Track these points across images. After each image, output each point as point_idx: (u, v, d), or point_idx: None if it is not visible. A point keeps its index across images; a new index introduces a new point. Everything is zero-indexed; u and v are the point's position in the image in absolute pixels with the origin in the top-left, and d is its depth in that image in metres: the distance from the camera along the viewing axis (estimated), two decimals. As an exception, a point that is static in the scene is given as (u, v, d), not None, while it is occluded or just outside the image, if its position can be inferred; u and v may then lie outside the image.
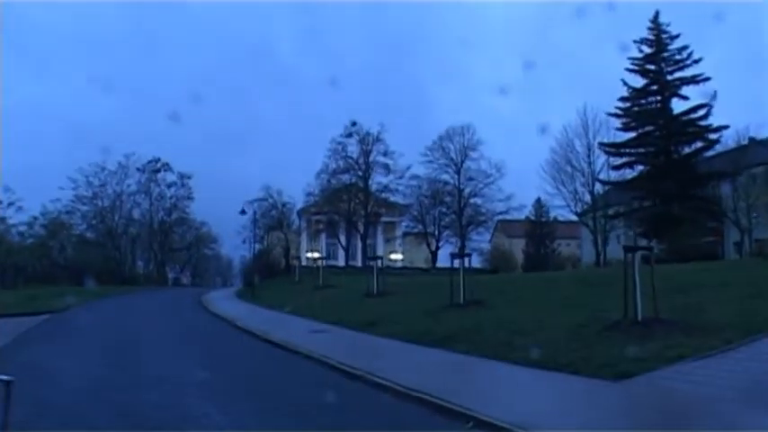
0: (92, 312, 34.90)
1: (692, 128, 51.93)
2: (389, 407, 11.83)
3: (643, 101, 53.42)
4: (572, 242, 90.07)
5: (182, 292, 63.92)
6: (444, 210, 77.84)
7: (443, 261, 78.36)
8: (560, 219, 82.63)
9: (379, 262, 38.20)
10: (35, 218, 75.19)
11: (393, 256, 79.35)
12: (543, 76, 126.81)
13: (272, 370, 16.82)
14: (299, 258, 62.36)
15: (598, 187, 65.26)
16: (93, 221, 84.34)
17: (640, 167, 54.92)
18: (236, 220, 68.00)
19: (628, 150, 54.78)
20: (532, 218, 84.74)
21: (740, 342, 14.24)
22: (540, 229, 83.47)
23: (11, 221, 71.58)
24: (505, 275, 51.35)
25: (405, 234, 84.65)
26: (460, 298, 24.67)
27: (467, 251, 36.08)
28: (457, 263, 26.25)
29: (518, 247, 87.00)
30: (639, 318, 16.60)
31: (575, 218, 74.91)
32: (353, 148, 74.94)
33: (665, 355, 13.66)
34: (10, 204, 69.62)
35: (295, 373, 16.12)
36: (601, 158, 63.65)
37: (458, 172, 75.80)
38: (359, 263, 73.88)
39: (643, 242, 51.32)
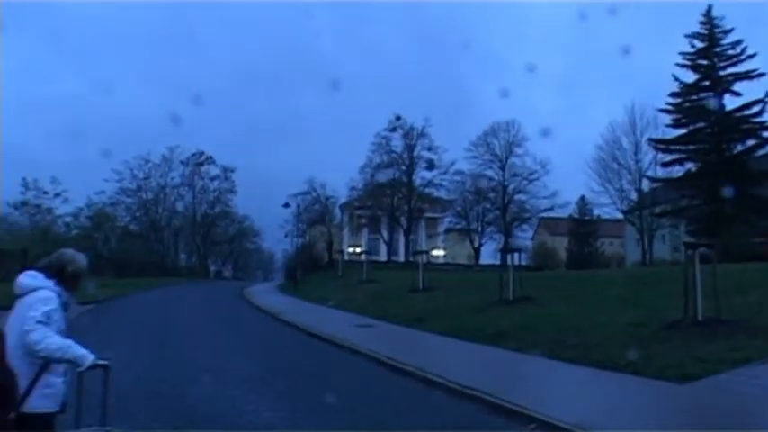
0: (136, 303, 34.97)
1: (746, 125, 50.50)
2: (443, 405, 11.34)
3: (695, 97, 52.03)
4: (615, 241, 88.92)
5: (224, 285, 64.06)
6: (488, 206, 76.91)
7: (486, 258, 77.92)
8: (604, 217, 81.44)
9: (424, 257, 37.67)
10: (80, 209, 76.07)
11: (435, 252, 78.63)
12: (587, 73, 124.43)
13: (319, 364, 16.40)
14: (341, 252, 61.91)
15: (645, 185, 64.09)
16: (137, 214, 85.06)
17: (690, 165, 53.64)
18: (279, 214, 67.89)
19: (678, 147, 53.47)
20: (576, 216, 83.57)
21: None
22: (583, 227, 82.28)
23: (57, 212, 72.59)
24: (551, 273, 50.56)
25: (447, 230, 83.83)
26: (509, 294, 24.15)
27: (511, 248, 35.47)
28: (501, 260, 25.74)
29: (561, 245, 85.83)
30: (700, 317, 16.01)
31: (619, 216, 73.72)
32: (398, 143, 74.49)
33: (731, 358, 13.05)
34: (56, 195, 70.64)
35: (343, 368, 15.69)
36: (648, 156, 62.51)
37: (502, 168, 74.93)
38: (401, 258, 73.50)
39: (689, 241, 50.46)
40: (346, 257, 63.61)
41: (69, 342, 4.83)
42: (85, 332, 20.53)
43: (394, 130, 73.88)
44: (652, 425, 9.45)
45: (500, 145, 75.37)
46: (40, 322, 4.70)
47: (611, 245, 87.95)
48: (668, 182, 56.00)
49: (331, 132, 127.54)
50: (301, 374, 14.36)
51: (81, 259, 5.27)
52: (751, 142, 50.87)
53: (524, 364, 14.93)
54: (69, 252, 5.30)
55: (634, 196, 65.80)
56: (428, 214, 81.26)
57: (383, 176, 73.40)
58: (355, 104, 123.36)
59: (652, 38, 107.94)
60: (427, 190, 75.70)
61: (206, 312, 31.37)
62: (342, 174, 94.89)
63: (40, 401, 4.70)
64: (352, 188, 74.99)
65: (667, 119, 54.20)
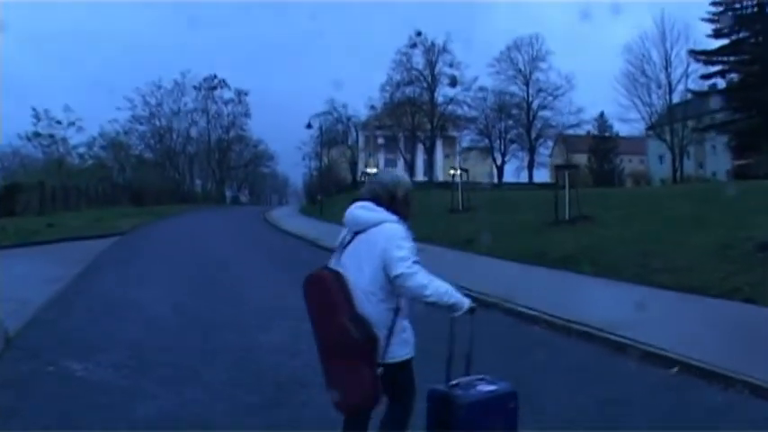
0: (162, 233, 33.67)
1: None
2: (553, 344, 9.89)
3: (737, 5, 49.64)
4: (634, 158, 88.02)
5: (243, 211, 63.08)
6: (511, 123, 75.45)
7: (509, 176, 76.82)
8: (623, 134, 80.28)
9: (460, 176, 36.25)
10: (94, 138, 74.81)
11: (452, 171, 77.36)
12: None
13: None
14: (367, 174, 60.58)
15: (675, 99, 62.37)
16: (151, 141, 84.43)
17: (732, 77, 51.68)
18: (295, 136, 67.04)
19: (720, 58, 51.39)
20: (595, 133, 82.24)
21: None
22: (603, 144, 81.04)
23: (71, 142, 71.08)
24: (595, 190, 49.21)
25: (468, 149, 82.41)
26: (566, 213, 22.85)
27: (568, 163, 34.06)
28: (552, 177, 24.36)
29: (581, 163, 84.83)
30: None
31: (638, 133, 72.46)
32: (419, 60, 72.68)
33: None
34: (70, 124, 68.98)
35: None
36: (678, 69, 60.73)
37: (526, 84, 73.42)
38: (419, 177, 72.45)
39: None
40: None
41: (447, 283, 4.26)
42: (122, 267, 19.54)
43: (414, 46, 72.13)
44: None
45: (523, 60, 73.98)
46: (416, 263, 4.18)
47: (630, 162, 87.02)
48: (710, 94, 54.03)
49: (349, 52, 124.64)
50: None
51: (406, 179, 4.60)
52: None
53: (616, 292, 13.53)
54: (391, 174, 4.64)
55: (662, 111, 64.12)
56: (449, 133, 79.78)
57: (404, 94, 71.65)
58: (373, 22, 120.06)
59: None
60: (450, 107, 73.98)
61: (239, 241, 30.05)
62: (362, 95, 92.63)
63: (400, 349, 4.26)
64: (372, 107, 73.43)
65: (706, 29, 52.01)
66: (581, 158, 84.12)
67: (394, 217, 4.31)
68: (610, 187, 51.28)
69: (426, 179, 72.00)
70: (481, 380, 4.32)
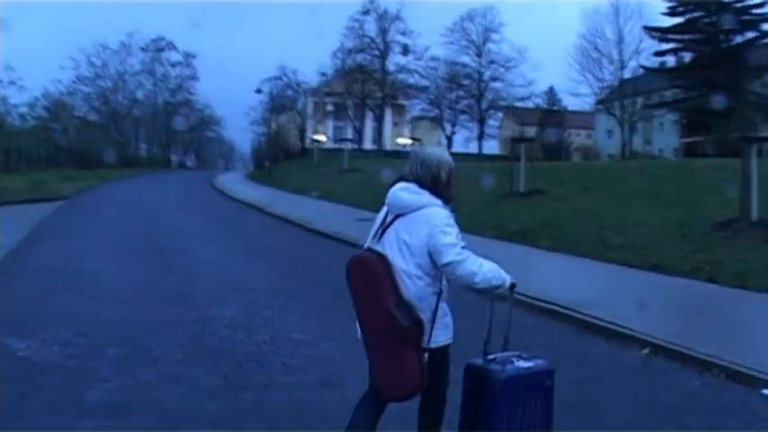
0: (107, 198, 32.63)
1: (745, 16, 48.56)
2: (519, 322, 9.42)
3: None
4: (582, 132, 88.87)
5: (189, 176, 61.79)
6: (462, 93, 75.26)
7: (457, 147, 76.75)
8: (571, 108, 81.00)
9: (413, 145, 35.83)
10: (36, 99, 72.43)
11: (401, 140, 77.22)
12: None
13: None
14: (316, 141, 59.88)
15: (626, 75, 62.88)
16: (96, 103, 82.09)
17: (678, 57, 52.14)
18: (243, 102, 65.98)
19: (674, 36, 51.64)
20: (544, 106, 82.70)
21: None
22: (551, 117, 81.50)
23: (12, 101, 68.55)
24: (541, 163, 49.32)
25: (417, 118, 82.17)
26: (520, 186, 22.70)
27: (523, 137, 33.97)
28: (510, 150, 24.23)
29: (528, 135, 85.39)
30: (755, 218, 14.68)
31: (587, 107, 73.12)
32: (371, 27, 71.87)
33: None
34: (11, 83, 66.33)
35: None
36: (631, 46, 61.21)
37: (478, 54, 73.13)
38: (368, 146, 72.15)
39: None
40: (327, 146, 61.81)
41: (491, 262, 4.13)
42: (68, 234, 18.62)
43: (367, 13, 71.35)
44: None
45: (477, 31, 73.70)
46: (465, 248, 4.02)
47: (578, 136, 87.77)
48: (664, 71, 54.40)
49: (301, 18, 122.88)
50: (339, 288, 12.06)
51: (449, 158, 4.30)
52: (750, 35, 49.19)
53: (576, 267, 13.32)
54: (434, 154, 4.31)
55: (613, 86, 64.65)
56: (399, 101, 79.39)
57: (355, 62, 70.92)
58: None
59: None
60: (401, 76, 73.51)
61: (187, 207, 29.18)
62: (313, 60, 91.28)
63: (443, 333, 4.13)
64: (323, 74, 72.57)
65: (661, 6, 52.39)
66: (529, 131, 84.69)
67: (438, 201, 4.11)
68: (558, 161, 51.38)
69: (375, 148, 71.60)
70: (518, 356, 4.22)
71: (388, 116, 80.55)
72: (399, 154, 55.31)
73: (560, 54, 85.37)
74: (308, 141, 66.59)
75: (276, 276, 12.56)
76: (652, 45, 55.95)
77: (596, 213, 18.24)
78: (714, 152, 38.99)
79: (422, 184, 4.13)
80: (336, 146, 62.67)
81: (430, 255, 3.99)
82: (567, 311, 9.49)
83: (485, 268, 4.04)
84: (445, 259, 3.94)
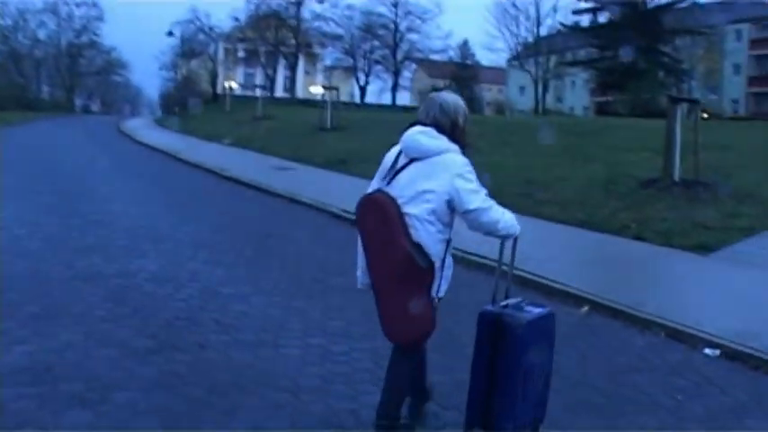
0: (8, 142, 30.56)
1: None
2: (456, 277, 9.20)
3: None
4: (493, 87, 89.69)
5: (95, 120, 59.47)
6: (377, 44, 74.61)
7: (371, 98, 76.43)
8: (485, 64, 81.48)
9: (329, 93, 35.12)
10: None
11: (314, 89, 76.36)
12: None
13: (275, 222, 13.42)
14: (229, 87, 58.23)
15: (543, 32, 63.37)
16: (-6, 41, 77.86)
17: (593, 17, 52.61)
18: (152, 45, 63.75)
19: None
20: (457, 60, 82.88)
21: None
22: (464, 71, 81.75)
23: None
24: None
25: (331, 67, 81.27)
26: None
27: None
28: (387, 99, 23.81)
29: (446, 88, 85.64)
30: (677, 177, 14.82)
31: (501, 63, 73.64)
32: (286, -30, 70.11)
33: (734, 226, 11.85)
34: None
35: (306, 226, 12.84)
36: (548, 3, 61.68)
37: (395, 5, 72.35)
38: (279, 94, 71.07)
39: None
40: (237, 93, 60.36)
41: (507, 211, 4.10)
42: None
43: (284, -42, 69.29)
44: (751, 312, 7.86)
45: (393, -20, 72.59)
46: (489, 195, 3.97)
47: (489, 91, 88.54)
48: (579, 30, 54.81)
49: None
50: (268, 243, 11.18)
51: (464, 104, 4.16)
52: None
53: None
54: (452, 99, 4.12)
55: (529, 43, 65.12)
56: (313, 50, 78.24)
57: (270, 8, 69.19)
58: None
59: None
60: (315, 24, 72.25)
61: (95, 152, 27.67)
62: (226, 4, 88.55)
63: (445, 285, 4.09)
64: (236, 18, 70.63)
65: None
66: (440, 84, 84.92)
67: (455, 146, 4.00)
68: (472, 114, 51.54)
69: (288, 96, 70.47)
70: (522, 302, 4.29)
71: (301, 64, 79.34)
72: (312, 102, 54.62)
73: (478, 8, 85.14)
74: (219, 88, 64.86)
75: (196, 226, 11.92)
76: (570, 3, 56.63)
77: (519, 168, 18.16)
78: (626, 112, 39.61)
79: (440, 128, 4.00)
80: (248, 93, 61.42)
81: (447, 201, 3.89)
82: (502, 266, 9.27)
83: (506, 216, 4.04)
84: (471, 206, 3.88)
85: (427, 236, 3.88)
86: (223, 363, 5.42)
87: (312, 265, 9.25)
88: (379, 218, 3.89)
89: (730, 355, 6.51)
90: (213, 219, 13.05)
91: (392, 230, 3.83)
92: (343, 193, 15.90)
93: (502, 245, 4.27)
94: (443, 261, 3.99)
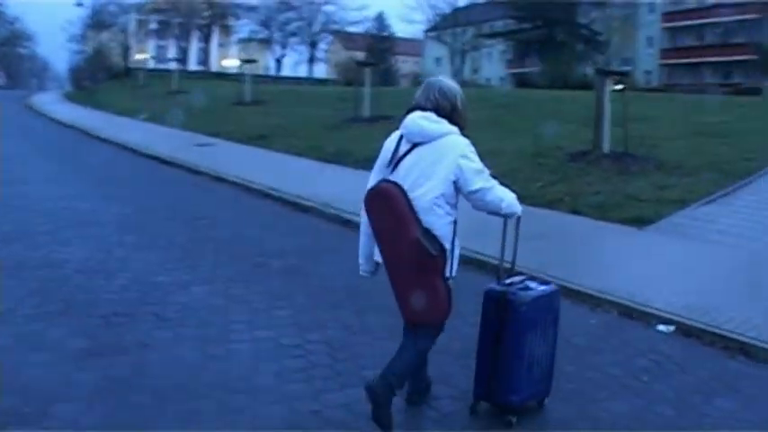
0: None
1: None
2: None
3: None
4: (409, 59, 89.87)
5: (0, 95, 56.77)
6: (293, 15, 73.55)
7: (287, 70, 75.53)
8: (402, 35, 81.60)
9: (247, 66, 34.37)
10: None
11: (227, 62, 75.08)
12: None
13: (202, 202, 12.70)
14: (143, 60, 56.50)
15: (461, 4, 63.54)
16: None
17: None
18: (60, 15, 61.12)
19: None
20: (373, 32, 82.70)
21: (733, 185, 12.81)
22: (380, 43, 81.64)
23: None
24: (382, 88, 48.91)
25: (246, 39, 79.77)
26: (365, 111, 22.20)
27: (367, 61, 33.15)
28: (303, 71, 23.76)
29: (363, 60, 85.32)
30: (607, 150, 14.88)
31: (419, 35, 73.78)
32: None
33: (666, 198, 11.91)
34: None
35: (229, 205, 12.31)
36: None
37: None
38: (193, 67, 69.54)
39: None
40: (152, 65, 58.62)
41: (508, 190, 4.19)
42: None
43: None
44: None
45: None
46: (494, 177, 4.12)
47: (404, 63, 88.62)
48: (498, 2, 54.90)
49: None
50: (204, 221, 10.74)
51: (460, 89, 4.29)
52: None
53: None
54: (450, 82, 4.28)
55: (447, 15, 65.24)
56: (227, 22, 76.72)
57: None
58: None
59: None
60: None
61: (1, 130, 26.36)
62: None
63: (456, 264, 4.14)
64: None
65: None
66: (358, 56, 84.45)
67: (456, 128, 4.11)
68: (389, 86, 51.20)
69: (202, 69, 68.93)
70: (525, 279, 4.48)
71: (216, 37, 77.79)
72: (227, 76, 53.55)
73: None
74: (132, 61, 62.87)
75: (119, 208, 11.27)
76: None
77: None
78: (544, 84, 39.90)
79: (440, 112, 4.09)
80: (161, 66, 59.73)
81: (454, 183, 3.99)
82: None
83: (509, 196, 4.13)
84: (475, 186, 3.97)
85: (436, 219, 3.95)
86: (170, 363, 5.03)
87: (248, 248, 8.84)
88: (388, 209, 3.94)
89: (685, 331, 6.49)
90: (137, 200, 12.33)
91: (402, 220, 3.90)
92: (268, 169, 15.54)
93: (505, 224, 4.30)
94: (453, 242, 4.04)
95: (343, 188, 12.92)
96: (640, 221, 10.74)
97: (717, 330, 6.36)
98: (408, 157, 4.04)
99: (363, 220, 4.25)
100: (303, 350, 5.41)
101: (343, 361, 4.66)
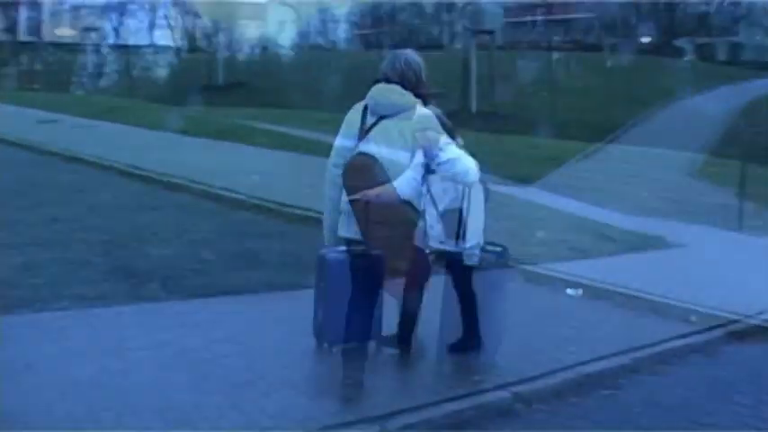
0: None
1: None
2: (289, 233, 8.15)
3: None
4: (252, 23, 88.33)
5: None
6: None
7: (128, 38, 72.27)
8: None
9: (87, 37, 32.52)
10: None
11: (61, 32, 71.21)
12: None
13: (61, 190, 10.39)
14: None
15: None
16: None
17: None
18: None
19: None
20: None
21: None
22: (221, 8, 79.55)
23: None
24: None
25: (78, 7, 75.60)
26: (219, 79, 21.76)
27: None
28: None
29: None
30: (474, 109, 14.86)
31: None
32: None
33: (542, 156, 12.10)
34: None
35: (95, 187, 10.73)
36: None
37: None
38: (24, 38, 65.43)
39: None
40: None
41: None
42: None
43: None
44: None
45: None
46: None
47: (247, 27, 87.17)
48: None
49: None
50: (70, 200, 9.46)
51: (422, 61, 4.47)
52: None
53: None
54: (413, 54, 4.45)
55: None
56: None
57: None
58: None
59: None
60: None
61: None
62: None
63: (429, 229, 4.31)
64: None
65: None
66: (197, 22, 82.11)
67: (420, 101, 4.28)
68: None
69: (34, 39, 64.89)
70: (503, 248, 4.55)
71: (47, 5, 73.41)
72: (63, 46, 50.54)
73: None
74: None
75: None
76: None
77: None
78: (392, 43, 39.84)
79: (405, 83, 4.27)
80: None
81: (423, 154, 4.12)
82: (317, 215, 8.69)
83: (472, 165, 4.14)
84: (445, 156, 4.07)
85: (410, 190, 4.15)
86: (64, 384, 4.04)
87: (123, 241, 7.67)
88: (369, 181, 4.06)
89: (593, 293, 6.52)
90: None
91: (379, 192, 4.05)
92: (124, 145, 14.53)
93: (469, 192, 4.24)
94: (425, 209, 4.25)
95: (201, 161, 12.33)
96: (527, 180, 10.82)
97: (624, 291, 6.54)
98: (377, 129, 4.20)
99: (329, 195, 4.39)
100: (213, 354, 4.47)
101: (258, 360, 3.95)
